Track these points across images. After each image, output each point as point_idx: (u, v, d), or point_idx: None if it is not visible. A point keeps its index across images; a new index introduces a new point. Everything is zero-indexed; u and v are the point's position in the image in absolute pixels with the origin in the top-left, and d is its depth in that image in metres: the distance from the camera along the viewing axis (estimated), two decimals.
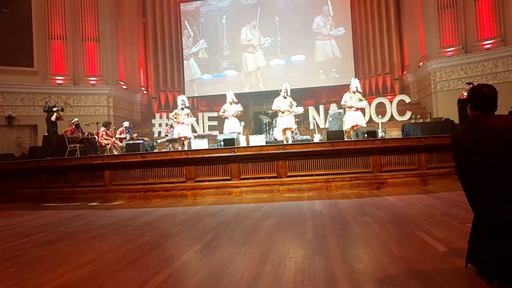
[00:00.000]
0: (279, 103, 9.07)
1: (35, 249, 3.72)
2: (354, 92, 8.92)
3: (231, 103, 9.73)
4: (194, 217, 5.01)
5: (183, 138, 9.73)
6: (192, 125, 11.74)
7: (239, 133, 9.50)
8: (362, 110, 9.55)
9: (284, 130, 9.07)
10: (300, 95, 15.56)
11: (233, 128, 9.50)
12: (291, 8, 16.92)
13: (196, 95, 17.61)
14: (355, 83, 9.02)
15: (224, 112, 9.74)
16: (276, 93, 9.21)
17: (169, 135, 11.34)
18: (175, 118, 9.80)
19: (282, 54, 16.97)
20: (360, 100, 8.93)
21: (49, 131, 9.43)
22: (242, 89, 16.86)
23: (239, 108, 9.80)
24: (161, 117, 15.63)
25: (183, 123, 9.71)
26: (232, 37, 17.38)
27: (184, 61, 17.78)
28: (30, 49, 13.85)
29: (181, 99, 9.95)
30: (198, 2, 17.66)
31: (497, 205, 2.04)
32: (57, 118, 9.40)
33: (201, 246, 3.40)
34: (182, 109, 9.78)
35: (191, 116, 9.98)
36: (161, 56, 18.09)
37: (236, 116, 9.72)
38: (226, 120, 9.74)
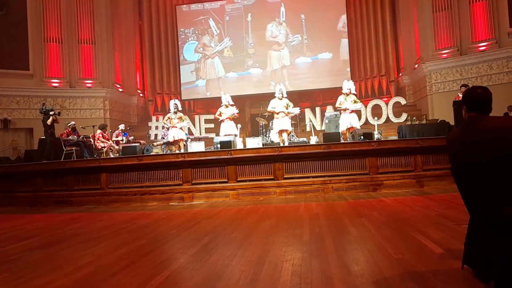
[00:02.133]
0: (274, 104, 9.09)
1: (30, 252, 3.69)
2: (347, 94, 8.94)
3: (226, 106, 9.73)
4: (191, 220, 5.00)
5: (179, 141, 9.72)
6: (189, 128, 11.71)
7: (235, 136, 9.49)
8: (358, 112, 9.56)
9: (280, 132, 9.07)
10: (296, 98, 15.58)
11: (229, 130, 9.50)
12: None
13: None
14: (347, 85, 9.04)
15: (220, 115, 9.74)
16: (282, 94, 9.21)
17: (165, 138, 11.32)
18: (169, 122, 9.79)
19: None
20: (355, 102, 8.95)
21: (46, 132, 9.39)
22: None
23: (235, 110, 9.80)
24: (157, 120, 15.60)
25: (176, 127, 9.70)
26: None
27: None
28: (26, 52, 13.79)
29: (173, 103, 9.91)
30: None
31: (492, 206, 2.05)
32: (53, 121, 9.36)
33: (198, 249, 3.39)
34: (175, 113, 9.76)
35: (184, 120, 9.96)
36: (157, 58, 18.09)
37: (233, 119, 9.72)
38: (222, 123, 9.74)
